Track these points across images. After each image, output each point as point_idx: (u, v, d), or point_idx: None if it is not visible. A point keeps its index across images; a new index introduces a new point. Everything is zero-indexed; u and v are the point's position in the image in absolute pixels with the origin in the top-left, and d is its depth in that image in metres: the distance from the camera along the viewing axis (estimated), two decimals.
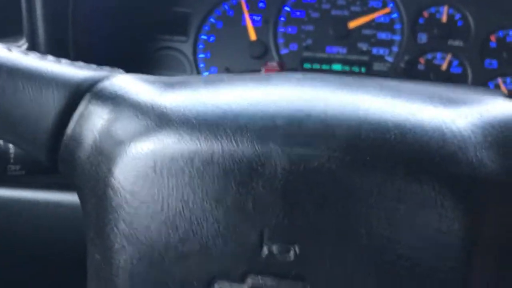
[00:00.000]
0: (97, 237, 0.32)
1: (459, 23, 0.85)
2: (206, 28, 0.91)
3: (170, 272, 0.29)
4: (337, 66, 0.88)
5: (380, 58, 0.87)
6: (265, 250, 0.29)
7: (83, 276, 0.34)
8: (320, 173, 0.28)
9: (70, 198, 0.52)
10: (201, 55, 0.91)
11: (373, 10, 0.87)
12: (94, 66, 0.37)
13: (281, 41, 0.89)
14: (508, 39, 0.84)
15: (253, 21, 0.90)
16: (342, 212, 0.28)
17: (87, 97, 0.33)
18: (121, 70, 0.38)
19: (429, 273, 0.28)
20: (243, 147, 0.29)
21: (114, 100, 0.33)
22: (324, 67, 0.88)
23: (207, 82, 0.34)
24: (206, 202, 0.29)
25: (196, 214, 0.29)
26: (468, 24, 0.85)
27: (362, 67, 0.87)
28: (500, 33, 0.84)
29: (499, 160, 0.29)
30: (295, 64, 0.88)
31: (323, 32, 0.88)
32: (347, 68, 0.87)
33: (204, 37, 0.91)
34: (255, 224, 0.29)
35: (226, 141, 0.29)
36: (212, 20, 0.91)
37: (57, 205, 0.51)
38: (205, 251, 0.29)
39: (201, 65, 0.91)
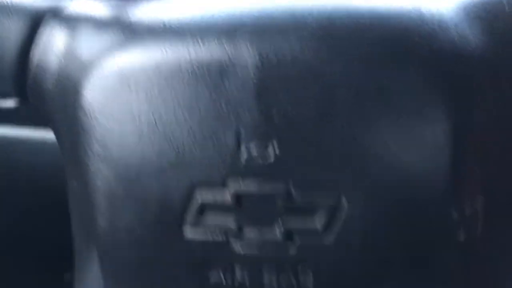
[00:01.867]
0: (73, 163, 0.31)
1: None
2: None
3: (149, 188, 0.28)
4: None
5: None
6: (243, 151, 0.27)
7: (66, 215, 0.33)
8: (294, 65, 0.26)
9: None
10: None
11: None
12: None
13: None
14: None
15: None
16: (320, 105, 0.27)
17: (47, 21, 0.32)
18: None
19: (421, 163, 0.26)
20: (211, 49, 0.27)
21: (75, 20, 0.32)
22: None
23: None
24: (179, 111, 0.28)
25: (169, 125, 0.28)
26: None
27: None
28: None
29: (482, 36, 0.27)
30: None
31: None
32: None
33: None
34: (230, 126, 0.27)
35: (192, 45, 0.28)
36: None
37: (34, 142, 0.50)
38: (183, 162, 0.28)
39: None
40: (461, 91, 0.26)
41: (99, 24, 0.31)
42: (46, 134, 0.45)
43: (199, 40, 0.28)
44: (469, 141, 0.27)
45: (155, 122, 0.28)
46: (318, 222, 0.27)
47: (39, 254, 0.50)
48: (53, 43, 0.31)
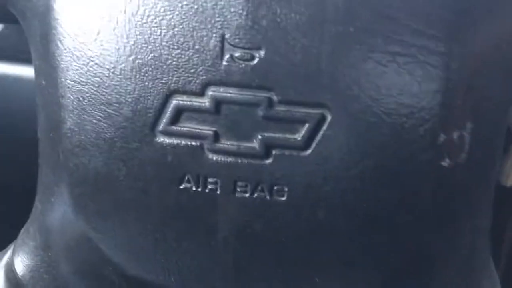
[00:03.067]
0: (42, 59, 0.29)
1: None
2: None
3: (122, 88, 0.26)
4: None
5: None
6: (227, 58, 0.25)
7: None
8: None
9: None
10: None
11: None
12: None
13: None
14: None
15: None
16: (312, 10, 0.25)
17: None
18: None
19: (408, 80, 0.25)
20: None
21: None
22: None
23: None
24: (160, 4, 0.26)
25: (148, 20, 0.26)
26: None
27: None
28: None
29: None
30: None
31: None
32: None
33: None
34: (215, 27, 0.25)
35: None
36: None
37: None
38: (160, 62, 0.26)
39: None
40: (454, 22, 0.25)
41: None
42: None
43: None
44: (460, 68, 0.25)
45: (133, 15, 0.26)
46: (298, 134, 0.26)
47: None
48: None
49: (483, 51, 0.26)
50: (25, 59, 0.42)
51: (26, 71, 0.44)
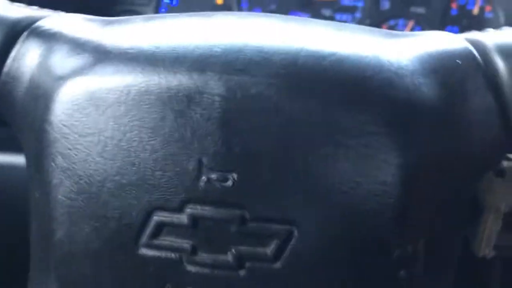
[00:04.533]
0: (37, 173, 0.31)
1: None
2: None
3: (108, 205, 0.29)
4: None
5: None
6: (203, 179, 0.28)
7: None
8: (257, 100, 0.28)
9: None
10: None
11: None
12: (35, 6, 0.37)
13: (245, 5, 0.89)
14: (469, 7, 0.85)
15: None
16: (279, 139, 0.28)
17: (25, 34, 0.33)
18: (62, 13, 0.38)
19: (370, 200, 0.28)
20: (181, 76, 0.29)
21: (52, 36, 0.32)
22: None
23: (148, 19, 0.34)
24: (144, 132, 0.29)
25: (133, 145, 0.29)
26: None
27: None
28: (461, 1, 0.85)
29: (436, 87, 0.29)
30: None
31: None
32: None
33: (166, 0, 0.89)
34: (193, 152, 0.28)
35: (163, 70, 0.29)
36: None
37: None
38: (144, 182, 0.29)
39: None
40: (410, 136, 0.28)
41: (74, 42, 0.32)
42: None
43: (170, 67, 0.29)
44: (415, 183, 0.28)
45: (119, 141, 0.29)
46: (268, 248, 0.28)
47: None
48: (28, 55, 0.32)
49: (437, 167, 0.29)
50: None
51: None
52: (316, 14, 0.87)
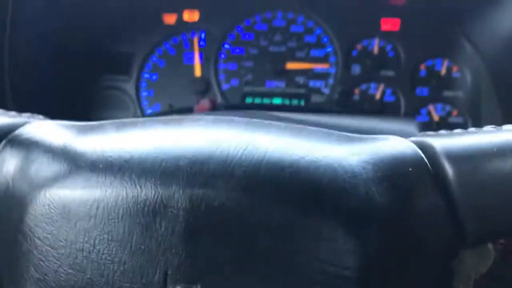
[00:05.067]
0: (10, 282, 0.33)
1: (390, 54, 0.89)
2: (149, 67, 0.93)
3: None
4: (277, 100, 0.90)
5: (317, 90, 0.90)
6: None
7: None
8: (220, 212, 0.30)
9: None
10: (144, 94, 0.92)
11: (309, 45, 0.91)
12: (13, 113, 0.38)
13: (222, 77, 0.92)
14: (437, 68, 0.89)
15: (194, 59, 0.92)
16: (242, 248, 0.30)
17: (3, 143, 0.34)
18: (41, 116, 0.39)
19: None
20: (147, 190, 0.30)
21: (28, 146, 0.34)
22: (265, 101, 0.91)
23: (120, 127, 0.36)
24: (113, 245, 0.30)
25: (102, 257, 0.30)
26: (399, 54, 0.89)
27: (301, 99, 0.90)
28: (429, 62, 0.89)
29: (388, 194, 0.31)
30: (237, 99, 0.91)
31: (262, 68, 0.91)
32: (287, 101, 0.90)
33: (146, 75, 0.92)
34: (159, 265, 0.30)
35: (130, 185, 0.31)
36: (154, 59, 0.93)
37: None
38: None
39: (145, 103, 0.92)
40: (363, 241, 0.30)
41: (49, 153, 0.33)
42: None
43: (137, 181, 0.31)
44: (370, 284, 0.30)
45: (89, 252, 0.30)
46: None
47: None
48: (4, 165, 0.34)
49: (388, 272, 0.31)
50: None
51: None
52: (291, 82, 0.90)
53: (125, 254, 0.30)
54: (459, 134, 0.35)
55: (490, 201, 0.32)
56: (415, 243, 0.31)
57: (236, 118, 0.37)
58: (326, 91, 0.90)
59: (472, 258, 0.37)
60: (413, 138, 0.35)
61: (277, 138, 0.34)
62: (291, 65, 0.90)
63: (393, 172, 0.32)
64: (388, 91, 0.89)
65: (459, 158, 0.32)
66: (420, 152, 0.33)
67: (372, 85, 0.89)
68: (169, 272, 0.30)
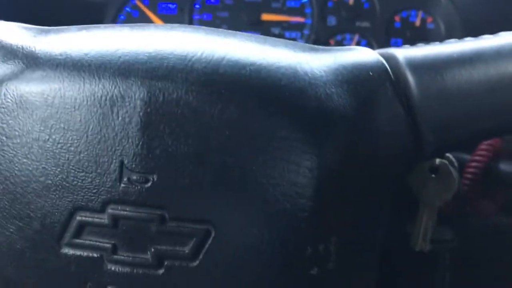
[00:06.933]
0: None
1: (365, 5, 0.89)
2: (122, 17, 0.91)
3: (33, 205, 0.30)
4: None
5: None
6: (124, 180, 0.30)
7: None
8: (178, 104, 0.29)
9: None
10: None
11: None
12: None
13: None
14: (411, 19, 0.89)
15: (168, 9, 0.91)
16: (198, 142, 0.29)
17: None
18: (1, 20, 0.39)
19: (283, 201, 0.30)
20: (105, 81, 0.30)
21: None
22: None
23: (82, 28, 0.35)
24: (69, 134, 0.30)
25: (58, 146, 0.30)
26: (374, 6, 0.89)
27: None
28: (404, 14, 0.89)
29: (347, 97, 0.31)
30: None
31: (237, 18, 0.90)
32: None
33: None
34: (115, 154, 0.30)
35: (89, 75, 0.30)
36: (128, 9, 0.91)
37: None
38: (67, 183, 0.30)
39: None
40: (319, 142, 0.30)
41: (7, 49, 0.33)
42: None
43: (95, 72, 0.30)
44: (325, 186, 0.30)
45: (45, 142, 0.30)
46: (187, 247, 0.30)
47: None
48: None
49: (348, 169, 0.31)
50: None
51: None
52: (266, 32, 0.90)
53: (81, 143, 0.30)
54: (422, 46, 0.35)
55: (450, 111, 0.32)
56: (372, 148, 0.31)
57: (204, 27, 0.37)
58: (302, 42, 0.89)
59: (435, 184, 0.37)
60: (377, 50, 0.35)
61: (241, 41, 0.33)
62: (266, 17, 0.90)
63: (354, 76, 0.32)
64: (363, 42, 0.89)
65: (420, 66, 0.32)
66: (383, 60, 0.33)
67: (347, 35, 0.89)
68: (125, 162, 0.29)
